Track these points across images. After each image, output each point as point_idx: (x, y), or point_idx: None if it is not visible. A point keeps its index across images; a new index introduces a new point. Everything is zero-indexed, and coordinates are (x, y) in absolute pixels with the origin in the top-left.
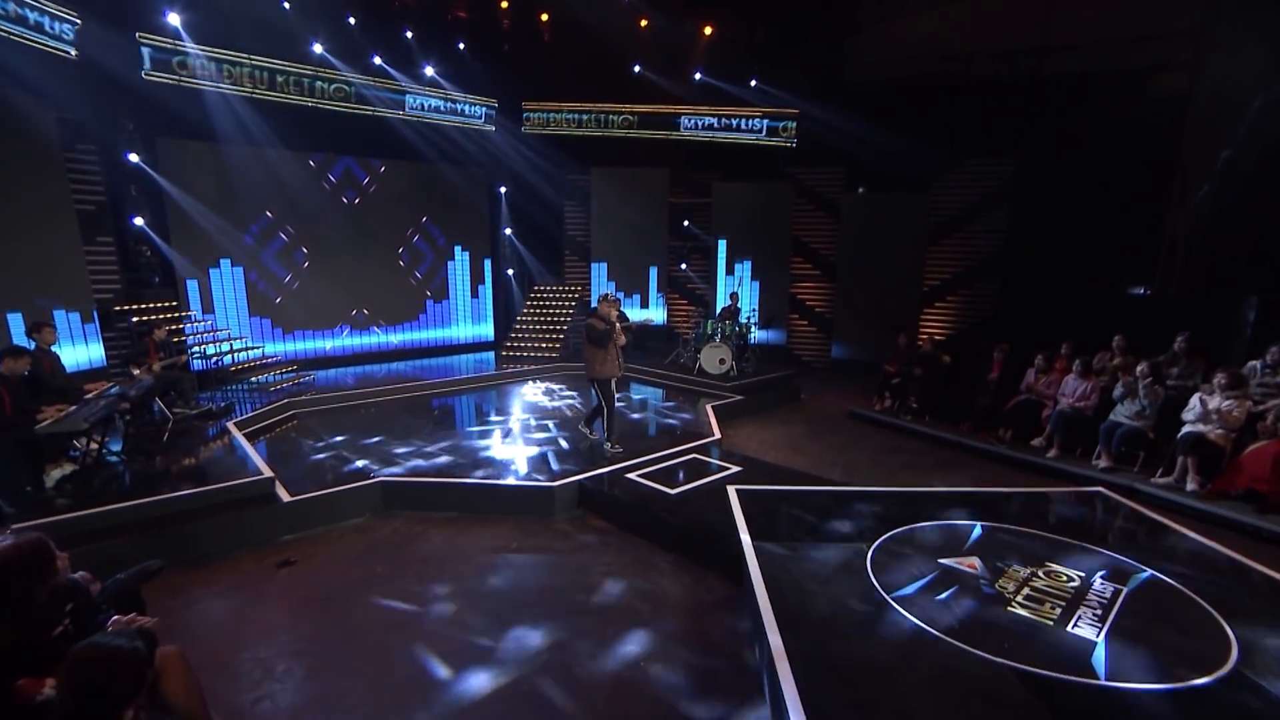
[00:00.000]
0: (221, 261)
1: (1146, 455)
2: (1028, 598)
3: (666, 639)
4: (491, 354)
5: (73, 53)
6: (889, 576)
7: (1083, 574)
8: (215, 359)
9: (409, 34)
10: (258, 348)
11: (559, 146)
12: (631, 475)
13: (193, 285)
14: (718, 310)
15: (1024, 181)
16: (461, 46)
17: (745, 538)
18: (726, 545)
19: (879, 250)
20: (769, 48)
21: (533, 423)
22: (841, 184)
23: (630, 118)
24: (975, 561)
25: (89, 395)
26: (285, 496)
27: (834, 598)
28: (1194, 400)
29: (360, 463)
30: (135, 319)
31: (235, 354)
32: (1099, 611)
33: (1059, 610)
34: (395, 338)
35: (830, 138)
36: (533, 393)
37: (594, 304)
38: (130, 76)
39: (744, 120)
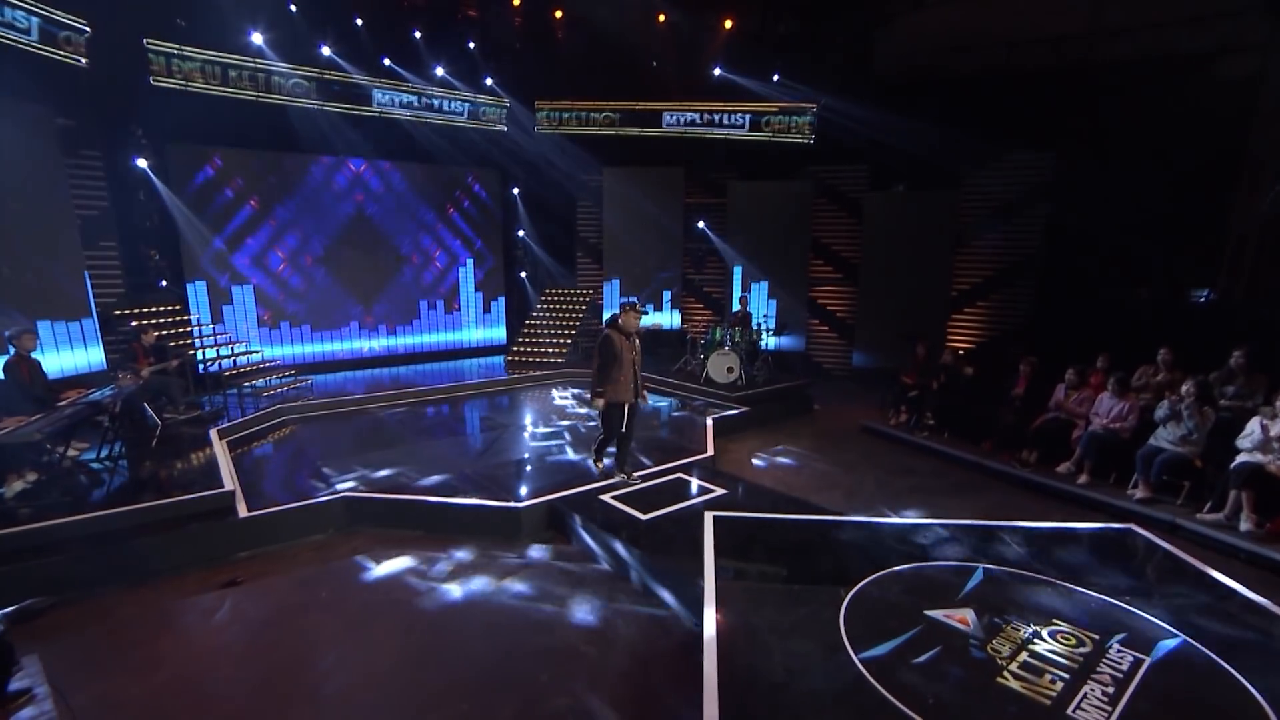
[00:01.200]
0: (231, 265)
1: (1192, 486)
2: (1024, 666)
3: (607, 691)
4: (502, 358)
5: (83, 61)
6: (864, 630)
7: (1097, 636)
8: (214, 363)
9: (418, 34)
10: (257, 352)
11: (572, 146)
12: (606, 496)
13: (201, 288)
14: (729, 315)
15: (1066, 177)
16: (472, 45)
17: (708, 574)
18: (691, 581)
19: (904, 252)
20: (793, 41)
21: (532, 433)
22: (864, 182)
23: (612, 115)
24: (968, 615)
25: (61, 404)
26: (244, 511)
27: (793, 656)
28: (1252, 424)
29: (336, 475)
30: (134, 323)
31: (235, 357)
32: (1110, 689)
33: (1060, 685)
34: (406, 340)
35: (854, 133)
36: (532, 400)
37: (610, 310)
38: (138, 83)
39: (726, 115)
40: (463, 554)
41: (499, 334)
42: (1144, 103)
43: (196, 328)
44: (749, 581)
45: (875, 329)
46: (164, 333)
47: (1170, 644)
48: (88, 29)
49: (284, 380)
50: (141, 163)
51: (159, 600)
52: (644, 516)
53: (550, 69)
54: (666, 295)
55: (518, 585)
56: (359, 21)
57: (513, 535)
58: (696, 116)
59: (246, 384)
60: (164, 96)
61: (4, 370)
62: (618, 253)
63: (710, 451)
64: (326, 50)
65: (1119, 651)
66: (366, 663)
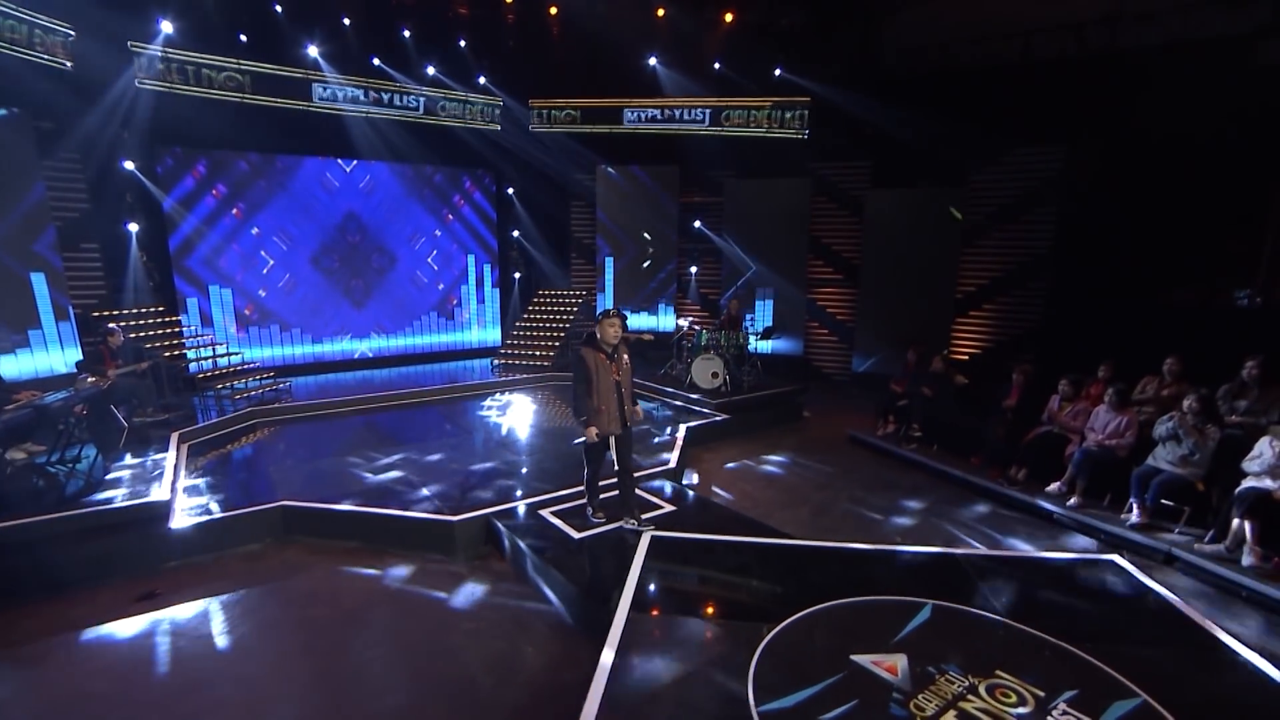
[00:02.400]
0: (219, 266)
1: (1193, 512)
2: None
3: None
4: (489, 361)
5: (68, 64)
6: (777, 675)
7: (1043, 694)
8: (192, 364)
9: (407, 34)
10: (237, 354)
11: (566, 144)
12: (547, 511)
13: (188, 290)
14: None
15: (1083, 171)
16: (463, 44)
17: (624, 603)
18: (603, 607)
19: (906, 252)
20: (796, 34)
21: (497, 440)
22: (866, 179)
23: (573, 113)
24: (899, 663)
25: (9, 406)
26: (175, 520)
27: (684, 705)
28: (1261, 445)
29: (284, 481)
30: (111, 324)
31: (216, 359)
32: None
33: None
34: (398, 342)
35: (857, 128)
36: (507, 405)
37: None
38: (124, 85)
39: (686, 111)
40: (395, 569)
41: (494, 335)
42: (1174, 91)
43: (188, 329)
44: (666, 612)
45: (876, 333)
46: (139, 335)
47: (1126, 706)
48: (72, 33)
49: (263, 383)
50: (129, 165)
51: (67, 613)
52: (577, 535)
53: (544, 67)
54: (661, 297)
55: (433, 606)
56: (346, 21)
57: (447, 549)
58: (657, 112)
59: (224, 386)
60: (150, 99)
61: None
62: (612, 252)
63: (672, 464)
64: (314, 51)
65: (1063, 714)
66: (257, 685)
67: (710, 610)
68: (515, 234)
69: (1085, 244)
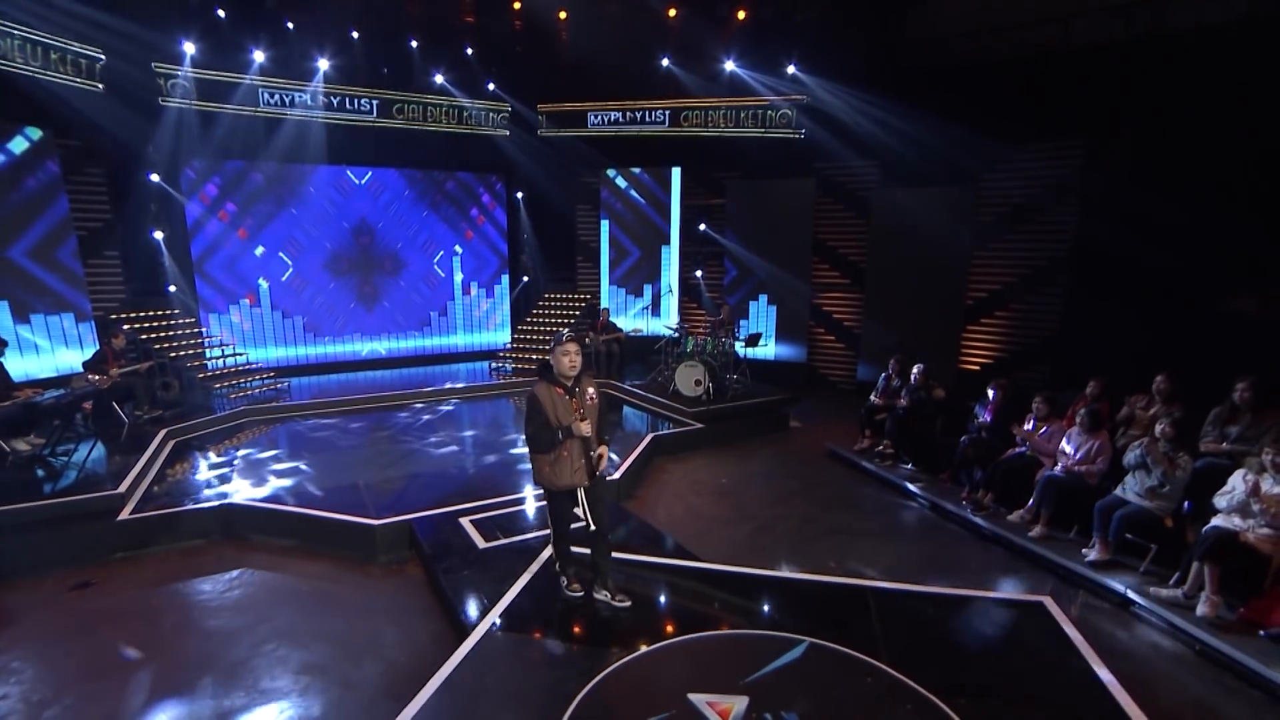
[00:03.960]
0: (236, 271)
1: (1160, 550)
2: None
3: None
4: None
5: (99, 86)
6: (601, 707)
7: None
8: (202, 364)
9: (415, 44)
10: (241, 353)
11: (573, 148)
12: (465, 519)
13: (210, 294)
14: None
15: (1111, 165)
16: (470, 52)
17: (489, 617)
18: (467, 621)
19: (914, 255)
20: (812, 29)
21: (453, 445)
22: (874, 178)
23: (480, 114)
24: (735, 706)
25: (5, 403)
26: (127, 514)
27: None
28: (1234, 479)
29: (240, 479)
30: (125, 326)
31: (225, 358)
32: None
33: None
34: (408, 344)
35: (864, 126)
36: (493, 410)
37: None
38: (149, 102)
39: (646, 112)
40: (315, 567)
41: (504, 337)
42: (1224, 77)
43: (204, 331)
44: (520, 633)
45: (882, 339)
46: (149, 336)
47: None
48: (102, 56)
49: (264, 383)
50: (155, 177)
51: (8, 599)
52: (481, 545)
53: (552, 71)
54: (666, 299)
55: (328, 609)
56: (355, 35)
57: (368, 551)
58: (619, 115)
59: (227, 385)
60: (173, 114)
61: None
62: (614, 255)
63: (616, 475)
64: (325, 64)
65: None
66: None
67: (575, 631)
68: (524, 237)
69: (1111, 245)
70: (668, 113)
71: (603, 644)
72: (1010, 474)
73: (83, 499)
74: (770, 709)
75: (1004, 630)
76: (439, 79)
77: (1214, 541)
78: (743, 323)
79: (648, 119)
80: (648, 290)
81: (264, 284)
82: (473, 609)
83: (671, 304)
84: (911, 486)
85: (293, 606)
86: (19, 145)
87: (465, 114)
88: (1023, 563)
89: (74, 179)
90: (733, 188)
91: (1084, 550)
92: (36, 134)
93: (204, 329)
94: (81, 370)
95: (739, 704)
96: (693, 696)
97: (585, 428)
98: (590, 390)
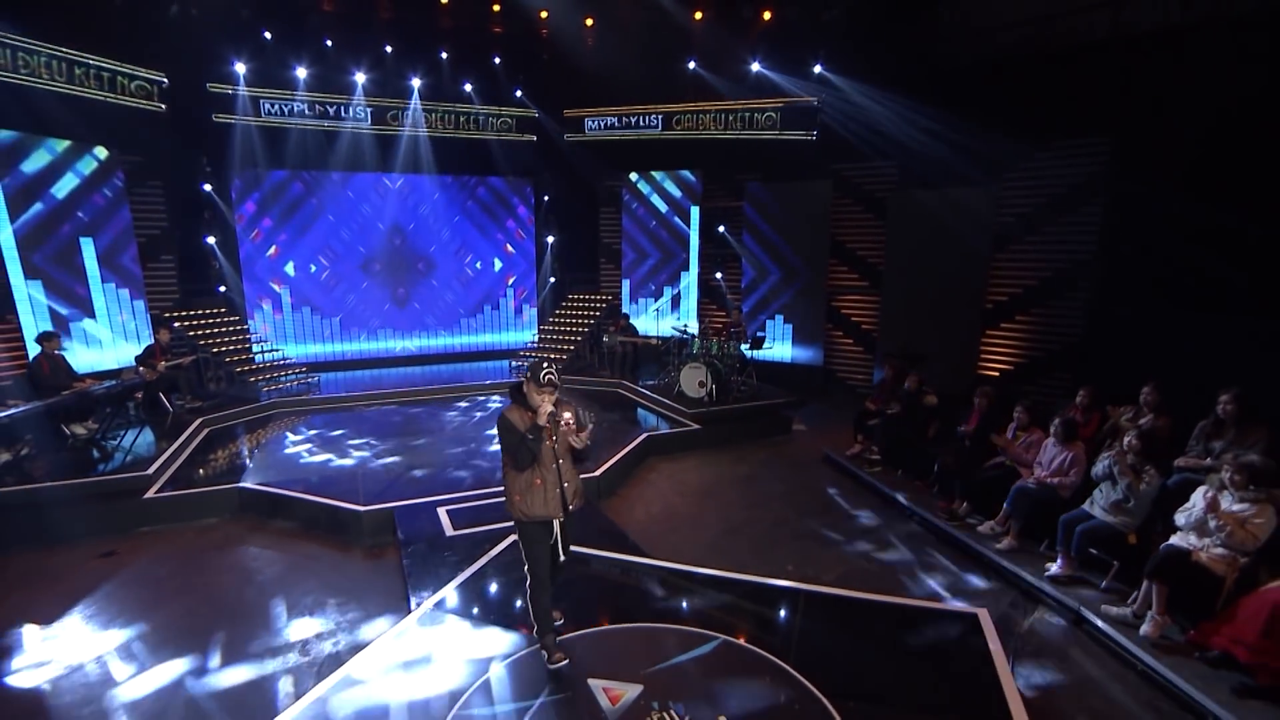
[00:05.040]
0: (278, 272)
1: (1122, 567)
2: None
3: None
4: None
5: (163, 107)
6: (514, 682)
7: None
8: (243, 358)
9: (444, 55)
10: (277, 349)
11: (597, 152)
12: (444, 509)
13: (255, 294)
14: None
15: (1148, 166)
16: (498, 61)
17: (431, 600)
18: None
19: (933, 257)
20: (838, 28)
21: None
22: (894, 179)
23: (509, 121)
24: (627, 693)
25: (65, 392)
26: (152, 493)
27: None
28: (1196, 495)
29: (256, 466)
30: (175, 324)
31: (265, 353)
32: None
33: None
34: (439, 341)
35: (886, 126)
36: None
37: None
38: (204, 119)
39: (641, 118)
40: (305, 548)
41: (530, 336)
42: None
43: (248, 325)
44: (456, 614)
45: (900, 341)
46: (196, 333)
47: None
48: (165, 80)
49: (296, 377)
50: (207, 187)
51: (43, 561)
52: (451, 532)
53: (577, 76)
54: (686, 301)
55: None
56: (388, 49)
57: (356, 535)
58: (641, 119)
59: (263, 379)
60: (224, 130)
61: (31, 363)
62: (636, 258)
63: (597, 472)
64: (361, 78)
65: None
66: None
67: (506, 616)
68: (550, 239)
69: (1140, 248)
70: (659, 118)
71: (510, 624)
72: (988, 484)
73: (115, 479)
74: (660, 698)
75: (925, 640)
76: (468, 88)
77: (1163, 560)
78: (768, 323)
79: (667, 123)
80: (668, 291)
81: (300, 284)
82: (422, 591)
83: (690, 305)
84: (893, 493)
85: (280, 582)
86: (88, 165)
87: (493, 121)
88: (988, 574)
89: (136, 191)
90: (751, 190)
91: (1048, 565)
92: (104, 153)
93: (249, 326)
94: (133, 363)
95: (631, 691)
96: (592, 681)
97: (554, 414)
98: (565, 415)
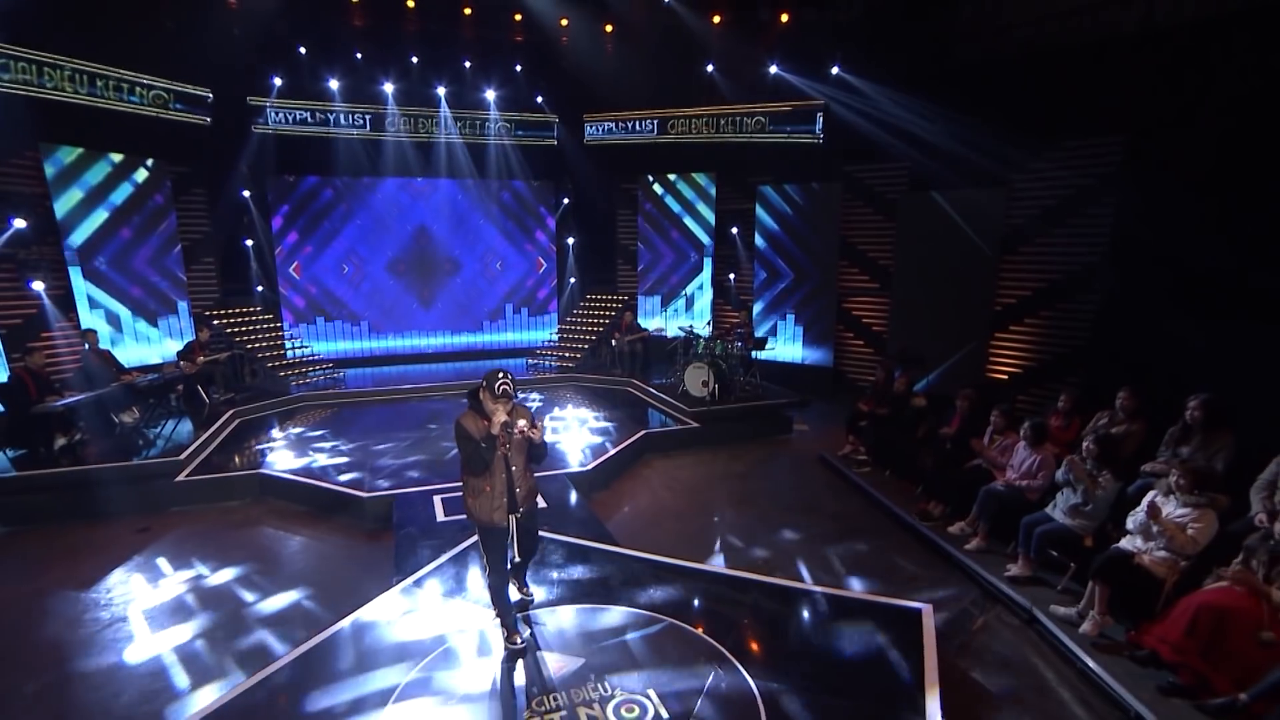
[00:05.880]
0: (312, 272)
1: (1081, 568)
2: None
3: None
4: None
5: (208, 120)
6: (455, 660)
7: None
8: (275, 354)
9: (467, 64)
10: (306, 346)
11: (614, 156)
12: (439, 497)
13: (290, 294)
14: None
15: (1166, 165)
16: (519, 69)
17: (407, 580)
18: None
19: (942, 259)
20: (857, 29)
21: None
22: (904, 180)
23: (530, 126)
24: (569, 666)
25: (114, 384)
26: (182, 476)
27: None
28: (1146, 499)
29: (277, 453)
30: (214, 321)
31: (295, 349)
32: None
33: None
34: (462, 339)
35: (898, 127)
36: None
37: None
38: (244, 130)
39: (656, 122)
40: (315, 529)
41: (549, 335)
42: None
43: (282, 324)
44: (429, 592)
45: (909, 343)
46: (233, 330)
47: None
48: (210, 95)
49: (324, 373)
50: (246, 193)
51: (89, 534)
52: (441, 518)
53: (596, 83)
54: (700, 301)
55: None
56: (414, 60)
57: (359, 519)
58: (631, 125)
59: (292, 373)
60: (262, 139)
61: (83, 358)
62: (651, 259)
63: (588, 466)
64: (389, 88)
65: None
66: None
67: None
68: (571, 241)
69: (1155, 249)
70: (655, 122)
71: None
72: (963, 486)
73: (151, 463)
74: (598, 671)
75: (863, 632)
76: (490, 95)
77: (1105, 561)
78: (779, 324)
79: (679, 128)
80: (682, 292)
81: (330, 284)
82: (405, 568)
83: (704, 305)
84: (876, 493)
85: (286, 557)
86: (140, 175)
87: (515, 126)
88: (955, 573)
89: (182, 199)
90: (762, 192)
91: (1008, 566)
92: (154, 165)
93: (285, 324)
94: (175, 358)
95: (574, 664)
96: (540, 653)
97: (508, 423)
98: (520, 423)
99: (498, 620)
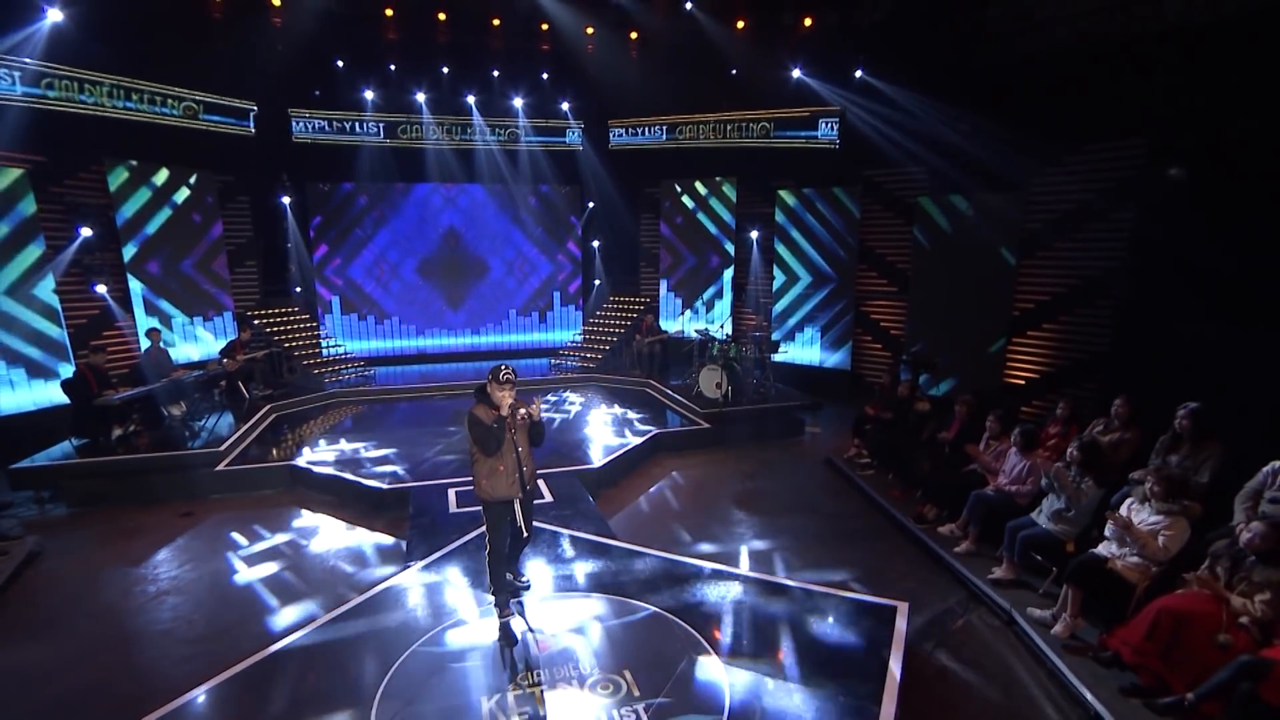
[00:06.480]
0: (348, 274)
1: (1061, 572)
2: (524, 698)
3: None
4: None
5: (253, 131)
6: (461, 635)
7: (637, 693)
8: (310, 352)
9: (495, 73)
10: (339, 345)
11: (639, 160)
12: (453, 490)
13: (326, 294)
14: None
15: (1193, 168)
16: (545, 77)
17: (417, 564)
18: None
19: (960, 263)
20: (880, 31)
21: None
22: (923, 184)
23: (556, 132)
24: (552, 643)
25: (164, 379)
26: (221, 466)
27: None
28: (1125, 505)
29: (308, 447)
30: (255, 321)
31: (329, 349)
32: None
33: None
34: (490, 339)
35: (917, 131)
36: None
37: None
38: (283, 140)
39: (660, 129)
40: (337, 515)
41: (573, 335)
42: None
43: (318, 323)
44: (437, 574)
45: (912, 348)
46: (272, 329)
47: None
48: (255, 107)
49: (355, 370)
50: (285, 200)
51: (140, 516)
52: (454, 510)
53: (622, 88)
54: (720, 304)
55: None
56: (445, 70)
57: (380, 508)
58: (681, 128)
59: (326, 370)
60: (301, 148)
61: (143, 354)
62: (674, 262)
63: (597, 464)
64: (421, 97)
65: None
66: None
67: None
68: (596, 244)
69: (1177, 255)
70: (664, 129)
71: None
72: (958, 490)
73: (194, 453)
74: (579, 652)
75: (837, 626)
76: (518, 102)
77: (1078, 566)
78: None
79: (704, 132)
80: (702, 295)
81: (364, 285)
82: (416, 555)
83: (724, 307)
84: (876, 495)
85: (313, 541)
86: (190, 184)
87: (542, 133)
88: (943, 575)
89: (227, 206)
90: (782, 197)
91: (993, 569)
92: (203, 175)
93: (322, 324)
94: (218, 356)
95: (558, 645)
96: (531, 634)
97: (514, 405)
98: (522, 411)
99: (492, 594)
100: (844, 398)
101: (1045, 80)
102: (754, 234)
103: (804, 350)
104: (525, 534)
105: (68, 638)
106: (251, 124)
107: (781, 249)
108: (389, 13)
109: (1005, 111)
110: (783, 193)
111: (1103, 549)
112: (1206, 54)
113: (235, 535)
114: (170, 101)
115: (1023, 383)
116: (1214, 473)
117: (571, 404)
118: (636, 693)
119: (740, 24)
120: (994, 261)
